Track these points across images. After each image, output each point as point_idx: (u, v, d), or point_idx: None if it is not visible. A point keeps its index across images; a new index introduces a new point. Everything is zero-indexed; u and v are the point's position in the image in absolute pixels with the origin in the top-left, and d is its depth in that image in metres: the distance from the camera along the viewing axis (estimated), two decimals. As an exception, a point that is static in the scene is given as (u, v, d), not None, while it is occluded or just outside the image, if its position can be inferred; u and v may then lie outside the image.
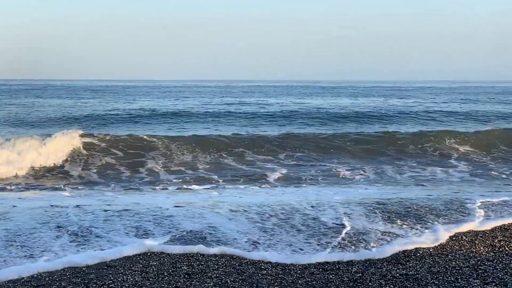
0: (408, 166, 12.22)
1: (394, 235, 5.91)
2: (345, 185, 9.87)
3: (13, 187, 9.50)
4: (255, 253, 5.29)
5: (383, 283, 4.54)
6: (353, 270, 4.87)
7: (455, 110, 26.46)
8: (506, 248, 5.55)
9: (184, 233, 5.89)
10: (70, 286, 4.39)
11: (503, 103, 32.63)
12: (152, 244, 5.47)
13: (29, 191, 9.28)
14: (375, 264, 5.04)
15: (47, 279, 4.56)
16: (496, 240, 5.86)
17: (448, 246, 5.63)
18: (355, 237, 5.84)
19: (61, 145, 12.15)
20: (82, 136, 13.20)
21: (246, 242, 5.62)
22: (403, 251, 5.42)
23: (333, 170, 11.53)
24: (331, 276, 4.71)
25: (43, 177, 10.66)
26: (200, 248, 5.40)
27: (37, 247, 5.32)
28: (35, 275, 4.62)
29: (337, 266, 4.98)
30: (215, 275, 4.69)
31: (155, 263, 5.00)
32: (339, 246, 5.54)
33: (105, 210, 6.88)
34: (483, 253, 5.40)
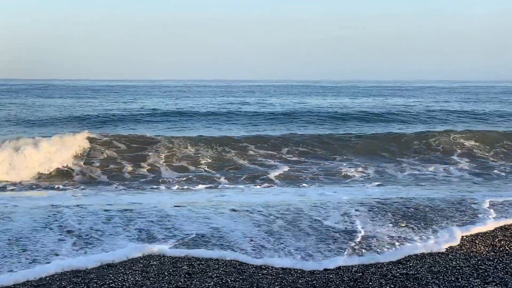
0: (410, 164, 12.22)
1: (402, 239, 5.73)
2: (345, 184, 9.88)
3: (15, 187, 9.51)
4: (261, 260, 5.07)
5: (383, 282, 4.53)
6: (353, 270, 4.86)
7: (463, 108, 26.43)
8: (507, 248, 5.55)
9: (188, 238, 5.71)
10: (71, 286, 4.39)
11: (502, 103, 32.58)
12: (155, 249, 5.33)
13: (31, 190, 9.28)
14: (376, 264, 5.03)
15: (47, 278, 4.56)
16: (497, 239, 5.86)
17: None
18: (364, 241, 5.63)
19: (63, 145, 12.14)
20: (84, 135, 13.18)
21: (253, 250, 5.37)
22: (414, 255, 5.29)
23: (336, 168, 11.53)
24: (331, 276, 4.71)
25: (45, 176, 10.66)
26: (206, 253, 5.24)
27: (40, 249, 5.29)
28: (35, 275, 4.61)
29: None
30: (215, 275, 4.69)
31: (155, 263, 4.99)
32: (348, 252, 5.30)
33: (106, 210, 6.87)
34: (483, 252, 5.40)
